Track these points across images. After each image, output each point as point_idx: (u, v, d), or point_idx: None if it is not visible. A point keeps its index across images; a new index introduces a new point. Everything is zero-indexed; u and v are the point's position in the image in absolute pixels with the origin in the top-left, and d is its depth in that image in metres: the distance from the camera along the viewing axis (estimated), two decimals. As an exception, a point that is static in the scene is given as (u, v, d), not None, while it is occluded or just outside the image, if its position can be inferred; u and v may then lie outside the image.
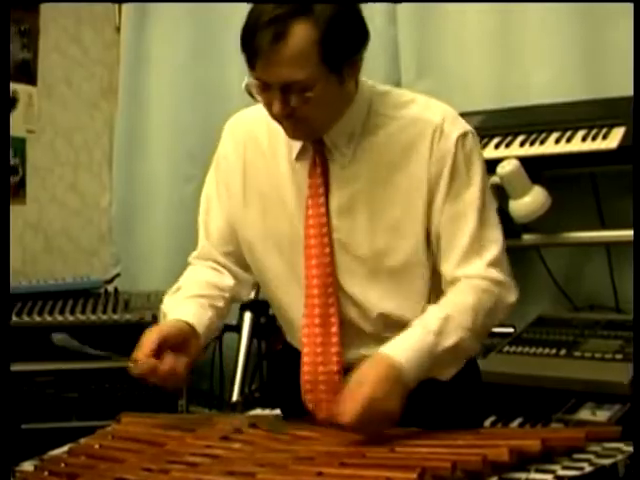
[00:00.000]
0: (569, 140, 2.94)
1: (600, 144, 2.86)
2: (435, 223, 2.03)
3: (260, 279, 2.24)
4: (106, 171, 4.45)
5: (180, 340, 2.03)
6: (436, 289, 2.08)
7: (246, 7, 2.03)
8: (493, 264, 2.03)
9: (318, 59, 1.86)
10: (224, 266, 2.23)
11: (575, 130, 2.96)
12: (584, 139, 2.90)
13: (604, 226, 3.13)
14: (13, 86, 3.98)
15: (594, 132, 2.91)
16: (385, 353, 1.91)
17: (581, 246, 3.25)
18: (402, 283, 2.07)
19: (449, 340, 1.93)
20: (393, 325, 2.02)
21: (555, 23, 3.22)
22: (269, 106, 1.95)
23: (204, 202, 2.29)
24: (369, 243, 2.06)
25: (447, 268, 2.04)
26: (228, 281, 2.22)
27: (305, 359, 2.11)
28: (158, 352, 2.00)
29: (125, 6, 4.36)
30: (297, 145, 2.08)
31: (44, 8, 4.14)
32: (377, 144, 2.05)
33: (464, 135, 2.03)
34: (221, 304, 2.19)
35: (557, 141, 2.95)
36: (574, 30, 3.20)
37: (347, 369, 2.00)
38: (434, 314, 1.97)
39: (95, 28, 4.42)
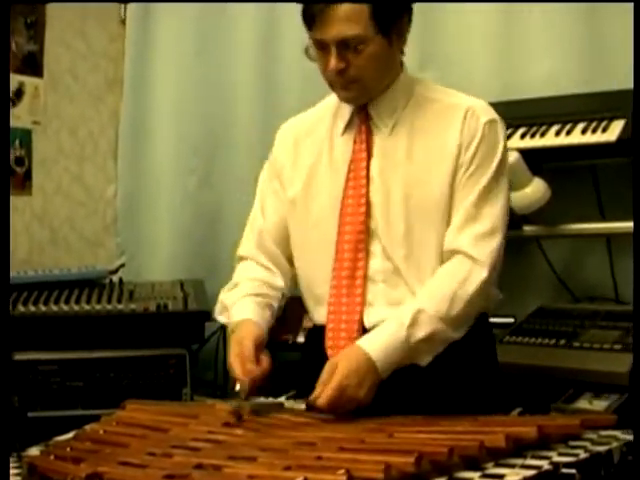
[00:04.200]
0: (569, 133, 2.95)
1: (600, 137, 2.87)
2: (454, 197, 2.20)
3: (296, 255, 2.38)
4: (111, 163, 4.46)
5: (261, 345, 2.18)
6: None
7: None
8: (481, 238, 2.17)
9: (369, 17, 2.08)
10: (275, 262, 2.38)
11: (575, 123, 2.97)
12: (584, 132, 2.91)
13: (604, 218, 3.14)
14: (19, 78, 4.00)
15: (594, 125, 2.92)
16: (359, 346, 2.08)
17: (581, 238, 3.26)
18: (426, 245, 2.21)
19: (422, 331, 2.09)
20: None
21: (556, 16, 3.24)
22: (325, 66, 2.15)
23: (258, 198, 2.46)
24: (406, 201, 2.21)
25: (447, 235, 2.20)
26: (279, 282, 2.37)
27: (330, 308, 2.25)
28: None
29: (130, -1, 4.38)
30: (344, 120, 2.29)
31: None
32: (417, 120, 2.25)
33: (492, 121, 2.23)
34: (276, 304, 2.35)
35: (557, 133, 2.97)
36: (575, 23, 3.21)
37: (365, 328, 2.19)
38: (409, 308, 2.12)
39: (100, 21, 4.42)
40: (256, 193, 2.48)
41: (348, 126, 2.30)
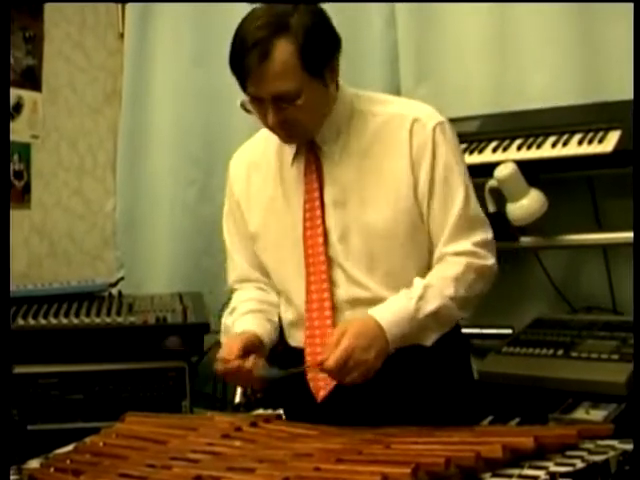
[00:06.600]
0: (565, 144, 2.95)
1: (596, 148, 2.87)
2: (424, 211, 2.21)
3: (278, 286, 2.40)
4: (110, 176, 4.47)
5: (255, 349, 2.18)
6: None
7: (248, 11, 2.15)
8: (480, 245, 2.21)
9: (300, 69, 2.07)
10: (265, 283, 2.42)
11: (571, 134, 2.97)
12: (580, 143, 2.91)
13: (601, 228, 3.15)
14: (18, 92, 4.02)
15: (590, 136, 2.91)
16: (368, 314, 2.10)
17: (578, 248, 3.26)
18: (400, 268, 2.23)
19: (430, 306, 2.13)
20: None
21: (551, 28, 3.23)
22: (264, 117, 2.15)
23: (226, 235, 2.49)
24: (362, 227, 2.22)
25: (437, 246, 2.23)
26: (274, 298, 2.41)
27: (307, 341, 2.27)
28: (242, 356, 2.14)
29: (128, 12, 4.37)
30: (291, 151, 2.29)
31: (48, 14, 4.17)
32: (362, 139, 2.24)
33: (441, 124, 2.23)
34: (275, 318, 2.38)
35: (554, 145, 2.97)
36: (570, 35, 3.21)
37: None
38: (417, 284, 2.16)
39: (98, 35, 4.44)
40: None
41: (296, 155, 2.30)
